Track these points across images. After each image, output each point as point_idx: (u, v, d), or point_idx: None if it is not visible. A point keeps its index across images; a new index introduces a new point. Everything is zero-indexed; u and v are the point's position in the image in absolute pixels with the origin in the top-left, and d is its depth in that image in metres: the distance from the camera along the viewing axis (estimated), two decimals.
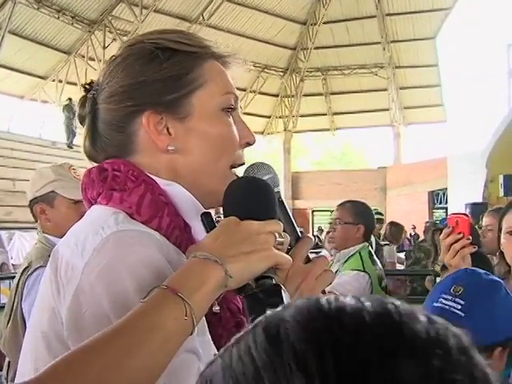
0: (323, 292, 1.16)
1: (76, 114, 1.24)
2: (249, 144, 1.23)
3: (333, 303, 0.51)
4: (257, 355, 0.49)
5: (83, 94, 1.22)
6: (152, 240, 1.03)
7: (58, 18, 19.74)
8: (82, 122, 1.22)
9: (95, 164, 1.20)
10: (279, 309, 0.54)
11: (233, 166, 1.20)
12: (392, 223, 9.42)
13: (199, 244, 1.01)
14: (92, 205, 1.16)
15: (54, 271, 1.05)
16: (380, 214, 8.81)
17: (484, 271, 1.89)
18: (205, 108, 1.16)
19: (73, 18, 20.19)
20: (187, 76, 1.15)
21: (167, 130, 1.14)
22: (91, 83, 1.21)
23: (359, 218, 4.02)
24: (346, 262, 3.94)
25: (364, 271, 3.97)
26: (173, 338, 0.88)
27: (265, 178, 1.14)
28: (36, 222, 2.94)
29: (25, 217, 12.04)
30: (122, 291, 0.97)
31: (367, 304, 0.51)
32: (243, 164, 1.22)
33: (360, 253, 4.00)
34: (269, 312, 0.54)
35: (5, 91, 21.67)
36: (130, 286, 0.97)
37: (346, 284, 3.85)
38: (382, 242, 8.60)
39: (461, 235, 2.19)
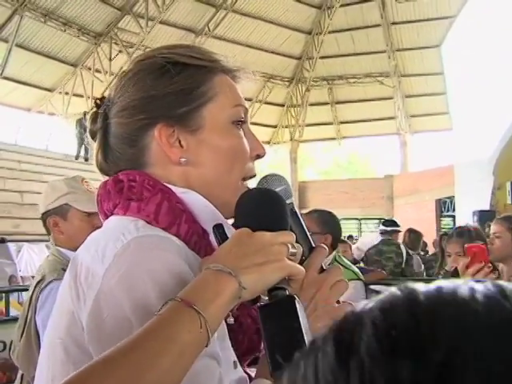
0: (338, 302, 1.16)
1: (87, 130, 1.25)
2: (259, 156, 1.25)
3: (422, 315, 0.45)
4: (322, 376, 0.46)
5: (94, 109, 1.24)
6: (172, 245, 1.05)
7: (65, 30, 19.82)
8: (93, 137, 1.24)
9: (107, 178, 1.21)
10: (353, 318, 0.49)
11: (244, 179, 1.22)
12: (411, 230, 9.35)
13: (212, 256, 1.02)
14: (108, 217, 1.17)
15: (74, 277, 1.06)
16: (395, 223, 8.73)
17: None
18: (216, 121, 1.18)
19: (79, 30, 20.28)
20: (198, 89, 1.17)
21: (179, 142, 1.16)
22: (102, 98, 1.23)
23: (326, 227, 4.04)
24: None
25: (358, 279, 4.06)
26: (188, 351, 0.88)
27: (278, 189, 1.15)
28: (48, 234, 2.95)
29: (33, 229, 12.06)
30: (143, 296, 0.98)
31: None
32: (254, 176, 1.24)
33: (340, 263, 4.14)
34: (342, 321, 0.49)
35: (12, 104, 21.77)
36: (152, 290, 0.98)
37: (352, 297, 3.91)
38: (411, 252, 8.53)
39: (482, 264, 2.20)
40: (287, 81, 27.21)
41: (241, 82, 1.27)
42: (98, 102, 1.24)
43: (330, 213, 4.27)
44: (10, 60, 18.37)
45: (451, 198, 22.18)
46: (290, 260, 1.03)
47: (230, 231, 1.12)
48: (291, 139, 28.70)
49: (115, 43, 21.08)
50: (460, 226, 4.43)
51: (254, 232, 1.02)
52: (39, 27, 19.33)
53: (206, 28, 22.64)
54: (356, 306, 0.50)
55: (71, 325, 1.04)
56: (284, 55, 25.89)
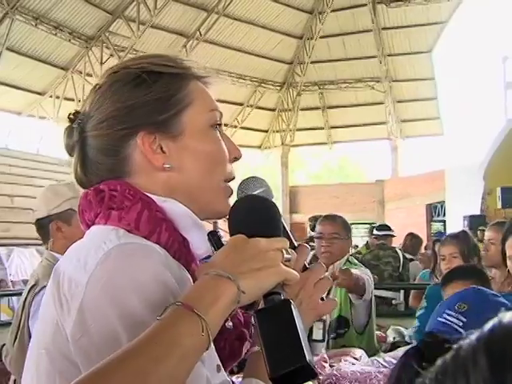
0: (322, 299, 1.18)
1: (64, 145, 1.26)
2: (236, 159, 1.28)
3: None
4: None
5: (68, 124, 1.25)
6: (153, 252, 1.06)
7: (56, 34, 19.76)
8: (70, 152, 1.25)
9: None
10: (503, 329, 0.49)
11: (226, 180, 1.25)
12: (412, 235, 9.37)
13: (210, 262, 1.03)
14: (89, 227, 1.19)
15: (57, 287, 1.06)
16: (388, 228, 8.74)
17: (492, 292, 1.90)
18: (195, 125, 1.21)
19: (70, 34, 20.22)
20: (175, 96, 1.20)
21: (161, 149, 1.18)
22: (76, 113, 1.25)
23: (349, 232, 4.26)
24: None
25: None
26: (190, 355, 0.90)
27: (258, 191, 1.17)
28: (42, 239, 2.94)
29: (23, 233, 12.03)
30: (127, 303, 0.99)
31: None
32: (234, 178, 1.27)
33: (351, 262, 4.34)
34: (492, 332, 0.49)
35: (2, 107, 21.69)
36: (135, 297, 0.99)
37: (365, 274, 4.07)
38: (408, 256, 8.53)
39: None
40: (278, 85, 27.24)
41: (211, 88, 1.29)
42: (71, 116, 1.25)
43: (339, 218, 4.42)
44: (1, 63, 18.29)
45: (442, 203, 22.30)
46: (285, 265, 1.04)
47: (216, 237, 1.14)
48: (282, 144, 28.73)
49: (106, 47, 21.04)
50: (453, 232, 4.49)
51: (249, 238, 1.04)
52: (30, 30, 19.27)
53: (198, 32, 22.64)
54: (503, 317, 0.49)
55: (56, 334, 1.05)
56: (275, 60, 25.92)
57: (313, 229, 8.23)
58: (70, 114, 1.26)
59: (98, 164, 1.21)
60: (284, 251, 1.05)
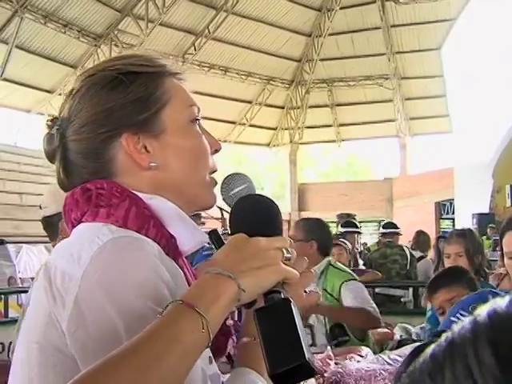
0: (305, 291, 1.19)
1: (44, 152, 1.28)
2: (217, 151, 1.30)
3: None
4: (481, 381, 0.44)
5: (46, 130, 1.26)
6: (147, 245, 1.08)
7: (65, 32, 19.82)
8: (51, 158, 1.27)
9: None
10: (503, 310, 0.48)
11: (209, 173, 1.27)
12: (421, 232, 9.35)
13: (211, 260, 1.06)
14: (74, 227, 1.19)
15: (49, 282, 1.06)
16: (395, 226, 8.69)
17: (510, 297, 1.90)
18: (175, 122, 1.22)
19: (79, 32, 20.27)
20: (154, 95, 1.21)
21: (145, 148, 1.19)
22: (54, 119, 1.26)
23: (310, 234, 4.19)
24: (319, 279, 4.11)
25: (355, 279, 4.20)
26: (191, 351, 0.91)
27: (241, 187, 1.19)
28: (50, 236, 2.93)
29: (32, 231, 12.03)
30: (123, 295, 1.00)
31: None
32: (217, 170, 1.29)
33: (335, 267, 4.28)
34: (494, 319, 0.48)
35: (12, 105, 21.76)
36: (131, 289, 1.00)
37: (361, 292, 4.04)
38: (419, 254, 8.46)
39: None
40: (287, 83, 27.22)
41: (185, 84, 1.30)
42: (49, 123, 1.27)
43: (318, 220, 4.41)
44: (10, 61, 18.37)
45: (451, 201, 22.24)
46: (285, 264, 1.06)
47: (194, 233, 1.19)
48: (291, 141, 28.71)
49: (115, 45, 21.08)
50: (457, 229, 4.46)
51: (249, 237, 1.06)
52: (39, 29, 19.32)
53: (206, 30, 22.65)
54: (497, 303, 0.50)
55: (48, 328, 1.05)
56: (284, 57, 25.90)
57: (343, 226, 8.22)
58: (48, 121, 1.28)
59: (81, 168, 1.22)
60: (284, 250, 1.07)
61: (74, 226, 1.19)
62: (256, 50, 24.59)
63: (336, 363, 2.98)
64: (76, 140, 1.21)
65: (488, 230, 13.38)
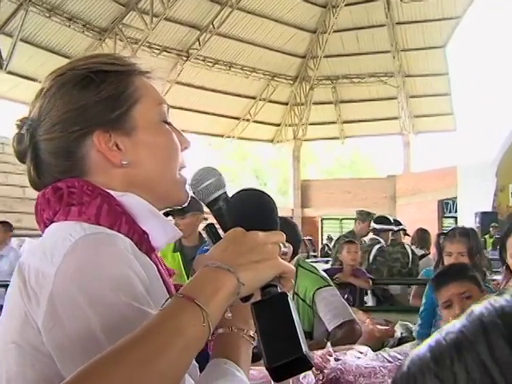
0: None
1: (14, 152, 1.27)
2: (186, 148, 1.31)
3: None
4: (495, 369, 0.47)
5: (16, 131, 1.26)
6: (119, 240, 1.08)
7: (69, 26, 19.83)
8: (21, 158, 1.27)
9: None
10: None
11: (180, 170, 1.28)
12: (421, 229, 9.31)
13: (208, 254, 1.05)
14: (47, 226, 1.19)
15: (23, 281, 1.07)
16: (388, 221, 8.65)
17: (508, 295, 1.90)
18: (146, 120, 1.23)
19: (84, 26, 20.27)
20: (125, 93, 1.22)
21: (116, 146, 1.20)
22: (24, 119, 1.27)
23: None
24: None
25: (327, 285, 3.99)
26: (192, 344, 0.91)
27: (210, 180, 1.18)
28: None
29: (35, 224, 12.05)
30: (97, 290, 1.00)
31: None
32: (186, 167, 1.30)
33: (304, 267, 4.03)
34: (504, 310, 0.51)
35: (16, 98, 21.76)
36: (105, 284, 1.00)
37: (337, 301, 3.90)
38: (420, 252, 8.42)
39: None
40: (291, 79, 27.21)
41: (153, 82, 1.31)
42: (18, 123, 1.27)
43: (285, 219, 4.18)
44: (15, 54, 18.38)
45: (454, 199, 22.23)
46: (282, 259, 1.06)
47: (167, 228, 1.21)
48: (294, 138, 28.72)
49: (120, 39, 21.08)
50: (459, 227, 4.43)
51: (246, 231, 1.06)
52: (44, 22, 19.33)
53: (211, 25, 22.63)
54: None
55: (25, 328, 1.05)
56: (288, 54, 25.88)
57: (377, 222, 8.11)
58: (17, 121, 1.28)
59: (52, 167, 1.22)
60: (281, 245, 1.08)
61: (46, 226, 1.19)
62: (260, 45, 24.58)
63: (336, 359, 2.98)
64: (47, 139, 1.21)
65: (491, 228, 13.39)
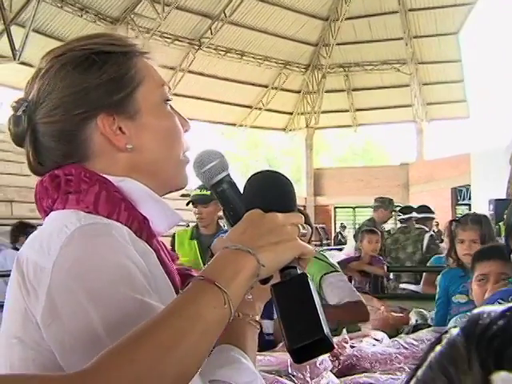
0: None
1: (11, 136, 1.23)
2: (186, 131, 1.28)
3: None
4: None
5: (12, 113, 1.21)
6: (116, 230, 1.06)
7: (81, 16, 19.85)
8: (19, 141, 1.22)
9: None
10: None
11: (183, 152, 1.26)
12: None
13: (226, 237, 1.04)
14: (48, 214, 1.17)
15: (22, 276, 1.05)
16: (430, 210, 8.55)
17: None
18: (149, 102, 1.21)
19: (96, 15, 20.29)
20: (127, 75, 1.19)
21: (120, 129, 1.17)
22: (21, 101, 1.21)
23: None
24: None
25: (335, 271, 3.94)
26: (213, 328, 0.91)
27: (213, 163, 1.16)
28: None
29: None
30: (95, 282, 0.99)
31: None
32: (189, 149, 1.28)
33: (315, 256, 3.90)
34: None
35: None
36: (103, 276, 0.99)
37: (344, 285, 3.86)
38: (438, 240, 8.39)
39: None
40: (303, 67, 27.14)
41: (153, 63, 1.28)
42: (15, 105, 1.21)
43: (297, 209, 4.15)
44: (27, 45, 18.39)
45: (467, 187, 22.12)
46: (301, 240, 1.05)
47: (168, 213, 1.20)
48: (307, 126, 28.67)
49: (131, 29, 21.07)
50: (471, 213, 4.38)
51: (265, 213, 1.05)
52: (56, 12, 19.35)
53: (223, 14, 22.59)
54: None
55: (26, 323, 1.04)
56: (300, 42, 25.80)
57: (419, 211, 8.06)
58: (13, 102, 1.22)
59: (53, 151, 1.19)
60: (300, 226, 1.06)
61: (46, 214, 1.18)
62: (272, 34, 24.51)
63: (352, 346, 2.99)
64: (48, 122, 1.18)
65: (505, 216, 13.30)
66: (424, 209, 8.15)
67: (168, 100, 1.24)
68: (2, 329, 1.12)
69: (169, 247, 1.27)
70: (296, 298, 0.97)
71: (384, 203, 8.37)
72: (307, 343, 0.92)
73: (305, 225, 1.09)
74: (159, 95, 1.22)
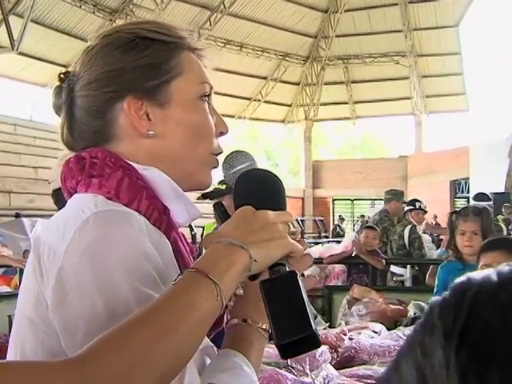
0: (302, 275, 1.16)
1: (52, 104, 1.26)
2: (222, 133, 1.27)
3: None
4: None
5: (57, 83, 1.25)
6: (131, 218, 1.06)
7: (80, 6, 19.81)
8: (57, 112, 1.26)
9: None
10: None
11: (212, 154, 1.24)
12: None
13: (218, 232, 1.05)
14: (71, 195, 1.18)
15: (38, 258, 1.06)
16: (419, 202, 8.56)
17: None
18: (183, 96, 1.20)
19: (94, 6, 20.25)
20: (166, 64, 1.19)
21: (147, 115, 1.17)
22: (66, 73, 1.26)
23: None
24: None
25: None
26: (206, 318, 0.92)
27: (243, 165, 1.18)
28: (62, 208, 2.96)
29: (47, 204, 12.12)
30: (104, 269, 0.99)
31: None
32: (222, 153, 1.26)
33: None
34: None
35: (27, 79, 21.81)
36: (113, 263, 0.99)
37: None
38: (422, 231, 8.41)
39: None
40: (302, 59, 27.12)
41: (204, 61, 1.27)
42: (61, 76, 1.26)
43: None
44: (26, 35, 18.35)
45: (466, 180, 22.16)
46: (291, 238, 1.07)
47: (188, 206, 1.19)
48: (306, 118, 28.67)
49: (130, 20, 21.04)
50: (472, 205, 4.40)
51: (256, 210, 1.06)
52: (54, 2, 19.31)
53: (222, 5, 22.56)
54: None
55: (38, 305, 1.05)
56: (300, 33, 25.78)
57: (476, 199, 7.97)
58: (60, 74, 1.27)
59: (83, 125, 1.21)
60: (290, 224, 1.08)
61: (71, 195, 1.19)
62: (272, 25, 24.49)
63: (350, 338, 2.99)
64: (82, 96, 1.21)
65: (503, 209, 13.34)
66: (413, 202, 8.16)
67: (206, 97, 1.23)
68: (17, 308, 1.13)
69: (191, 239, 1.27)
70: (285, 295, 0.98)
71: (396, 195, 8.41)
72: (295, 339, 0.93)
73: (294, 223, 1.11)
74: (196, 91, 1.22)
